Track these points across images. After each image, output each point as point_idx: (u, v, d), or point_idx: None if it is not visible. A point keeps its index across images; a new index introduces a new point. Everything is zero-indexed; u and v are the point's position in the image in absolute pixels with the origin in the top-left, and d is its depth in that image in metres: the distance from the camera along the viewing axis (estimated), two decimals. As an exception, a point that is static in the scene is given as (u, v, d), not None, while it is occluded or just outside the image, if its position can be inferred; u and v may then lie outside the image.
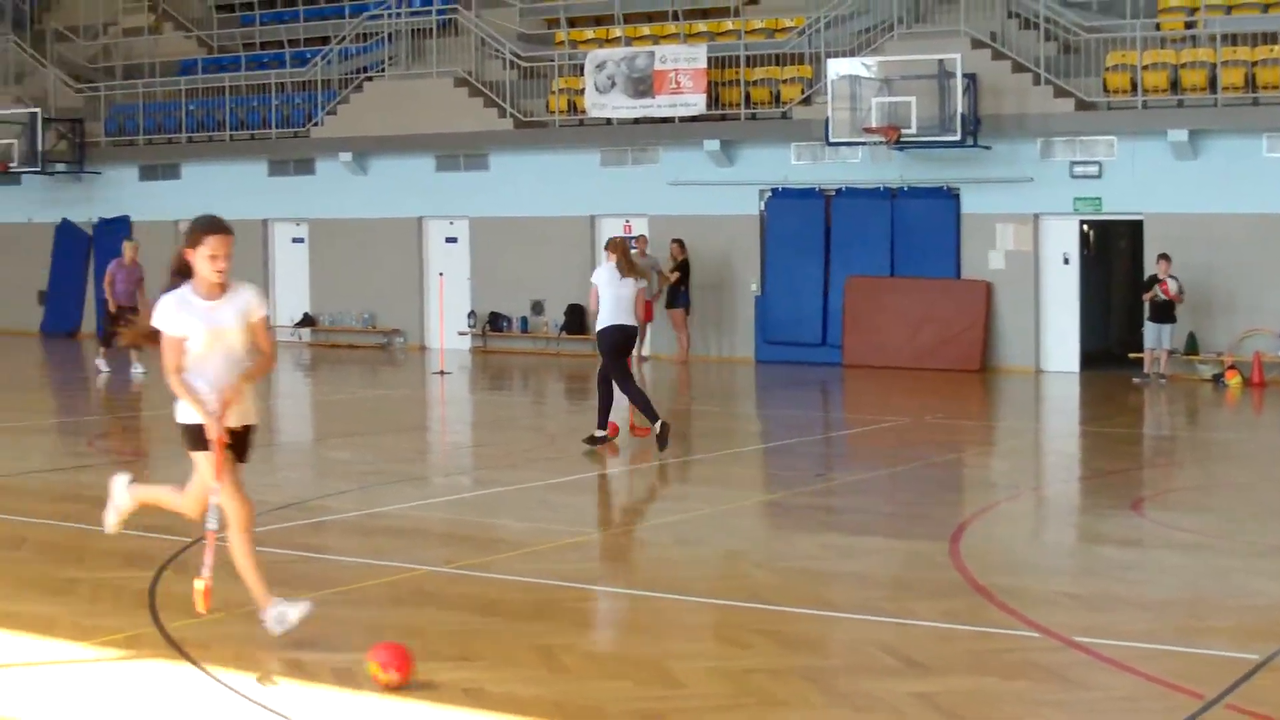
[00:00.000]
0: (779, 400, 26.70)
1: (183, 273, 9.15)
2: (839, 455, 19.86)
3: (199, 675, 8.38)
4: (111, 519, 10.07)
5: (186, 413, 9.12)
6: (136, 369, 28.54)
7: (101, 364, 29.13)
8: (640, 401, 18.43)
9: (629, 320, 18.45)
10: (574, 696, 8.16)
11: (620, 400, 18.55)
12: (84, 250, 41.34)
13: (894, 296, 30.94)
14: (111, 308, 28.84)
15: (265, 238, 38.90)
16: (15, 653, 8.88)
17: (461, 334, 35.40)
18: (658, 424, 18.02)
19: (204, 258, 9.04)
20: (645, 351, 32.55)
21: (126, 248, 29.67)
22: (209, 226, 9.09)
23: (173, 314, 9.06)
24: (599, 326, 18.53)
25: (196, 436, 9.07)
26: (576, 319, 34.16)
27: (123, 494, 9.97)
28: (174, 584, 10.68)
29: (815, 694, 8.25)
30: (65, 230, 41.58)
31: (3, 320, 41.60)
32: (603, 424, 18.62)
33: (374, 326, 37.01)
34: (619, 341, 18.50)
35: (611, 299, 18.33)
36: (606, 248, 18.94)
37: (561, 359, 33.58)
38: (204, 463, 9.13)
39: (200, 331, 9.03)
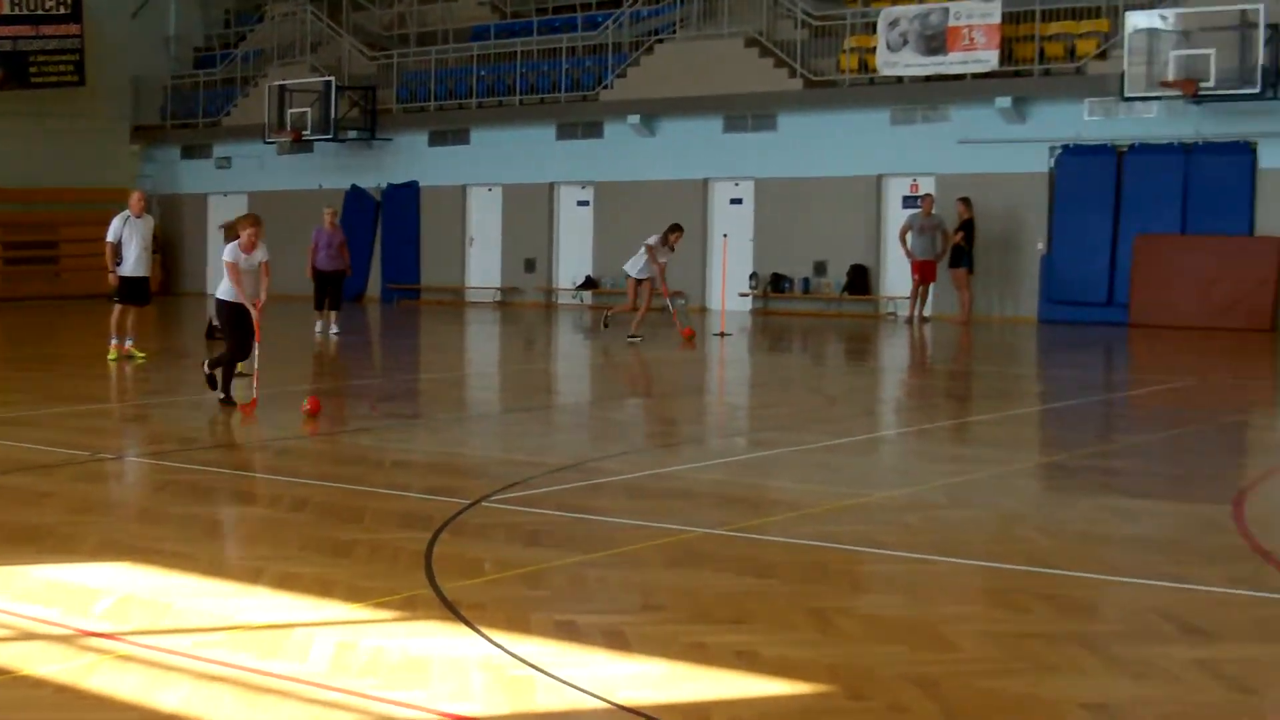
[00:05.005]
0: (1062, 361, 26.29)
1: None
2: (1121, 416, 19.50)
3: (473, 637, 8.48)
4: None
5: None
6: (333, 330, 29.58)
7: (319, 326, 30.01)
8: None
9: None
10: (847, 660, 8.10)
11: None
12: (372, 216, 42.18)
13: (1185, 255, 30.33)
14: (308, 273, 29.94)
15: (551, 201, 39.33)
16: (295, 613, 9.06)
17: (742, 295, 35.48)
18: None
19: None
20: (928, 311, 32.36)
21: (326, 214, 30.44)
22: None
23: None
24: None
25: None
26: (860, 279, 34.04)
27: None
28: (451, 545, 10.82)
29: (1091, 660, 8.08)
30: (355, 196, 42.48)
31: (292, 286, 42.58)
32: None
33: (657, 288, 37.15)
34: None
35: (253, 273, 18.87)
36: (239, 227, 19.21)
37: (843, 319, 33.44)
38: None
39: None
